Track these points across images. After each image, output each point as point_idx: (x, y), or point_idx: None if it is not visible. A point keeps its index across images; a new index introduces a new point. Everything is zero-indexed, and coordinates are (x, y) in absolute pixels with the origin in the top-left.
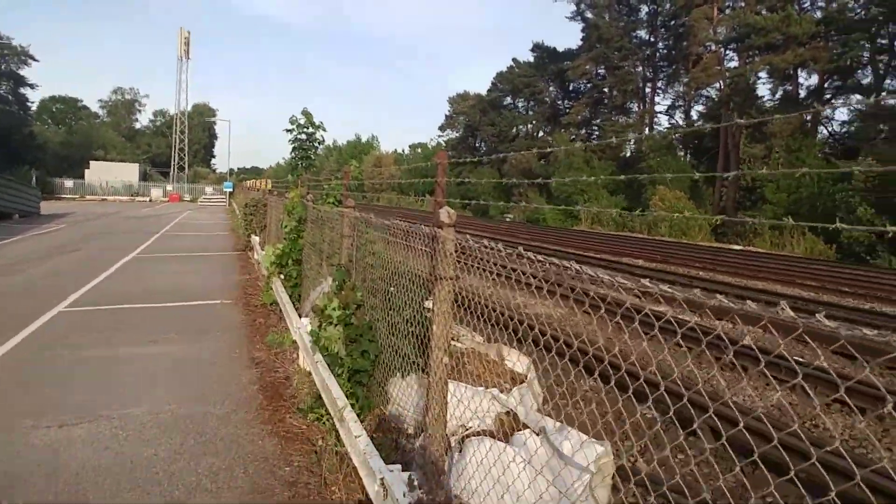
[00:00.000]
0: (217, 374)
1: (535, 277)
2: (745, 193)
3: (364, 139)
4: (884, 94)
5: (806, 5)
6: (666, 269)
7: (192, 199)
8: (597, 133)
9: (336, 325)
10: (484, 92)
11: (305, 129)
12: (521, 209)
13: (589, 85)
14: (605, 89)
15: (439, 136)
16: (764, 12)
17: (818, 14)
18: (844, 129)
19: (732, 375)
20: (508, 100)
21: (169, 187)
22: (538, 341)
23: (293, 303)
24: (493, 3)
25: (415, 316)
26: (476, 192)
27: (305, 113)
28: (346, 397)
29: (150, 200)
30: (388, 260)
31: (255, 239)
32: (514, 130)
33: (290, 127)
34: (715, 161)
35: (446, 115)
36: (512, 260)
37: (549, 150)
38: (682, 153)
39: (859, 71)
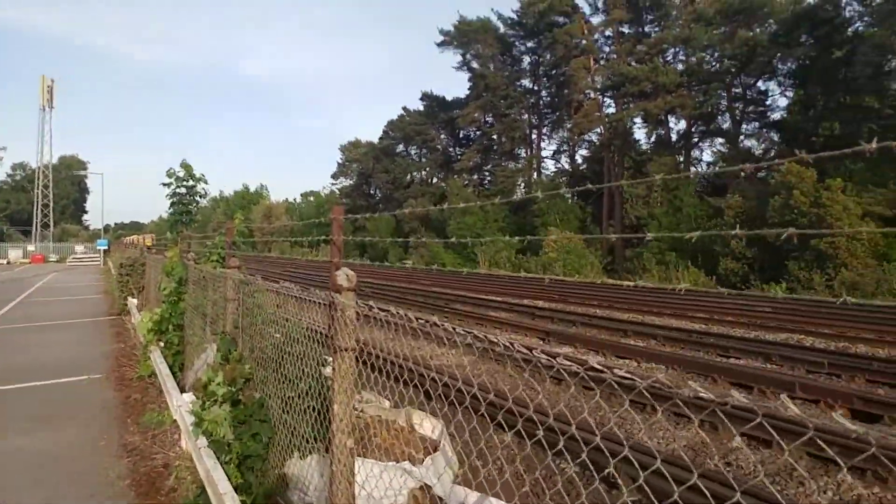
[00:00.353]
0: (78, 471)
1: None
2: (631, 231)
3: (253, 188)
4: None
5: (668, 58)
6: (565, 308)
7: (59, 259)
8: (488, 178)
9: (221, 403)
10: (376, 140)
11: (185, 183)
12: (420, 255)
13: (478, 132)
14: (494, 136)
15: (332, 185)
16: (633, 63)
17: (680, 66)
18: (717, 168)
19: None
20: (401, 147)
21: (31, 247)
22: (448, 395)
23: (175, 373)
24: (381, 52)
25: (312, 386)
26: (374, 238)
27: (185, 165)
28: (236, 491)
29: (8, 262)
30: (279, 326)
31: (133, 301)
32: (409, 177)
33: (167, 181)
34: (600, 202)
35: (339, 163)
36: (427, 329)
37: (465, 205)
38: (568, 196)
39: (719, 117)
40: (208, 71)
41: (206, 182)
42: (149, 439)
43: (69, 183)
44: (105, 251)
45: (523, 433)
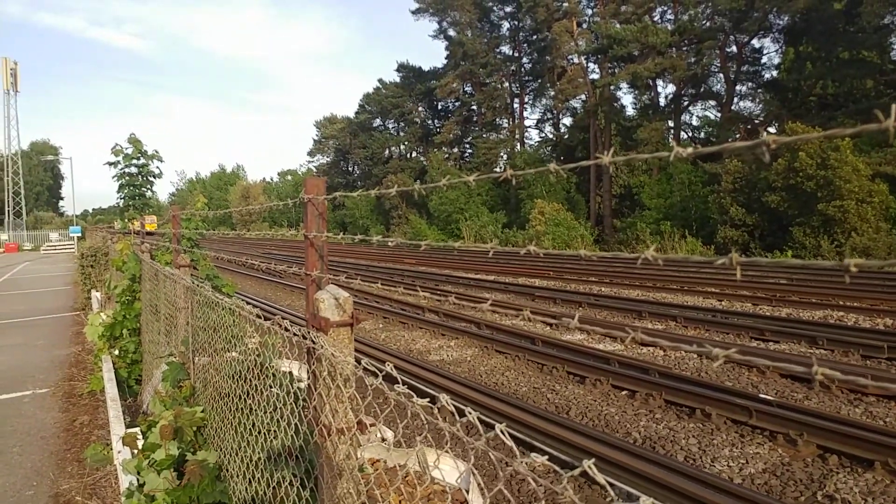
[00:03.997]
0: None
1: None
2: (619, 201)
3: (230, 169)
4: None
5: (656, 18)
6: (566, 287)
7: (33, 247)
8: (469, 151)
9: (162, 470)
10: (352, 114)
11: (135, 161)
12: (403, 232)
13: (458, 103)
14: (474, 106)
15: (309, 162)
16: (618, 26)
17: (669, 26)
18: (702, 135)
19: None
20: (378, 121)
21: (3, 236)
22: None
23: (132, 386)
24: (355, 23)
25: (293, 442)
26: (353, 215)
27: (133, 140)
28: None
29: None
30: (240, 347)
31: (96, 295)
32: (387, 152)
33: (113, 159)
34: (587, 171)
35: (315, 140)
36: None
37: (438, 183)
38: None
39: (711, 78)
40: (178, 50)
41: (160, 159)
42: (88, 487)
43: (41, 169)
44: (79, 238)
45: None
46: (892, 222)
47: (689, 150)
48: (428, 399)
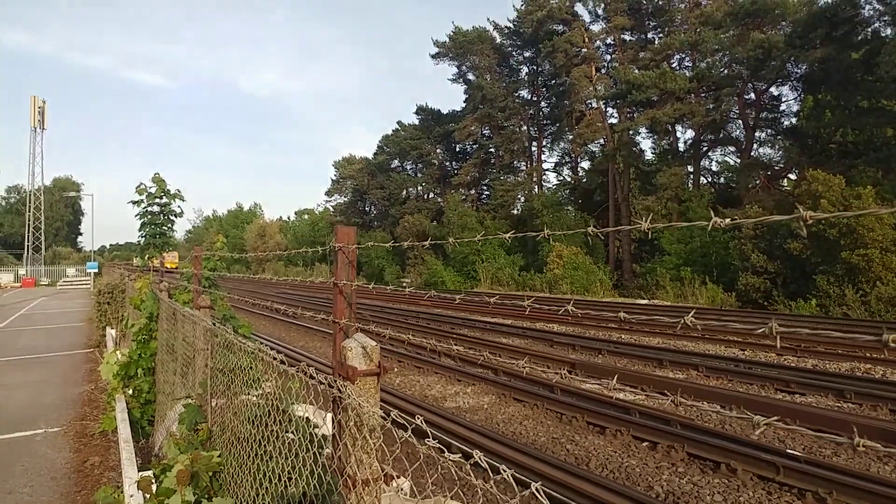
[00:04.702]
0: None
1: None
2: (638, 245)
3: (247, 207)
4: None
5: (674, 64)
6: (585, 333)
7: (50, 282)
8: (486, 192)
9: None
10: (370, 155)
11: (157, 200)
12: (419, 273)
13: (475, 145)
14: (492, 149)
15: (326, 201)
16: (637, 71)
17: (688, 73)
18: (722, 180)
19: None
20: (396, 162)
21: (22, 271)
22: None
23: (144, 427)
24: (376, 66)
25: (308, 489)
26: (369, 255)
27: (157, 179)
28: None
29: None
30: (257, 390)
31: (111, 333)
32: (405, 193)
33: (137, 198)
34: (606, 215)
35: (332, 180)
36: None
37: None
38: (569, 209)
39: (730, 124)
40: (202, 90)
41: (182, 199)
42: None
43: (63, 205)
44: (96, 274)
45: None
46: None
47: (728, 220)
48: (460, 455)
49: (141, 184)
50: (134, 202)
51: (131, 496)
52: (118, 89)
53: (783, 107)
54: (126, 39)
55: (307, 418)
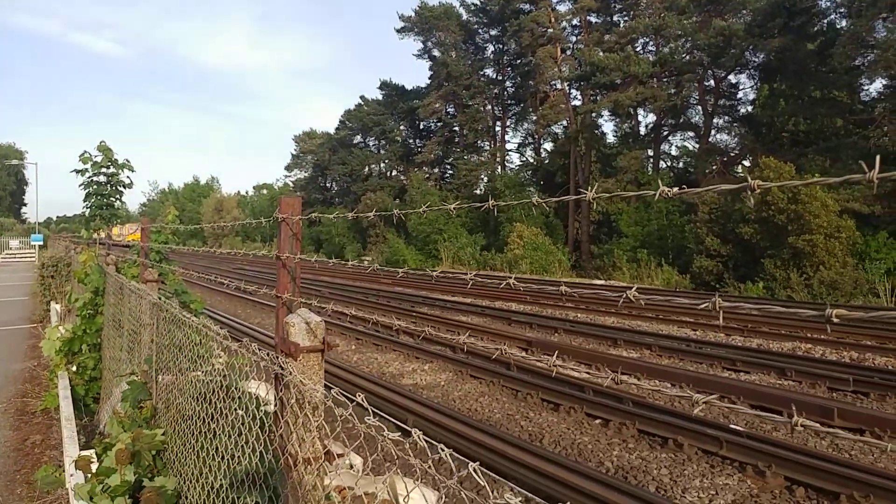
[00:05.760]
0: None
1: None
2: (596, 227)
3: (204, 181)
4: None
5: (638, 48)
6: (542, 312)
7: None
8: (450, 171)
9: (116, 497)
10: (332, 130)
11: (104, 169)
12: (380, 251)
13: (440, 123)
14: (456, 127)
15: (286, 177)
16: (601, 54)
17: (651, 57)
18: (681, 165)
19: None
20: (359, 138)
21: None
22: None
23: (89, 405)
24: (339, 39)
25: (258, 469)
26: (329, 233)
27: (103, 148)
28: None
29: None
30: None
31: (55, 307)
32: (367, 170)
33: (81, 167)
34: (566, 195)
35: (293, 155)
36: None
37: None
38: (531, 190)
39: (690, 110)
40: (156, 60)
41: (132, 169)
42: None
43: (5, 173)
44: (41, 247)
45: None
46: (858, 257)
47: (675, 189)
48: (399, 433)
49: (85, 152)
50: (77, 171)
51: (72, 475)
52: (67, 53)
53: (740, 94)
54: (67, 5)
55: (257, 396)
